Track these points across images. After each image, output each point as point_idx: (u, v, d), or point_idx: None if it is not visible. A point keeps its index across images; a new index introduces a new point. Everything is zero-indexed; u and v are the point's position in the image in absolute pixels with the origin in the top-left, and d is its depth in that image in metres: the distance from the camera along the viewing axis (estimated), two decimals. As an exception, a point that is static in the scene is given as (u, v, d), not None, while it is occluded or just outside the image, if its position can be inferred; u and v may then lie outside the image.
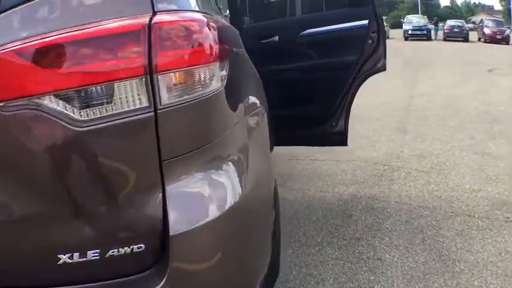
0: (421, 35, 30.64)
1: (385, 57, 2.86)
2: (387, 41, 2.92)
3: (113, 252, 1.10)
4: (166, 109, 1.09)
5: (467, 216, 3.03)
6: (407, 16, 38.75)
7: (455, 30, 30.83)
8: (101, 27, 1.06)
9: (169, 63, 1.10)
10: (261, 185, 1.48)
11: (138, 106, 1.07)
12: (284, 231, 2.97)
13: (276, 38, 3.07)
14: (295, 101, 3.16)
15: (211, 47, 1.19)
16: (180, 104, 1.12)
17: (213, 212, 1.15)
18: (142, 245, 1.12)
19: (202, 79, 1.17)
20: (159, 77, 1.08)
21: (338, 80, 2.96)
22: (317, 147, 3.92)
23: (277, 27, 3.19)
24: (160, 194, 1.11)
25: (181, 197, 1.14)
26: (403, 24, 34.46)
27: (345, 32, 2.94)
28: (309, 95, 3.13)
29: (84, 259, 1.09)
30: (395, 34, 31.61)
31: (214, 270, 1.18)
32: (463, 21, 36.48)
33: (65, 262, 1.09)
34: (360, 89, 2.86)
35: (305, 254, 2.66)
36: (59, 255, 1.08)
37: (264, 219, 1.51)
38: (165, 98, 1.09)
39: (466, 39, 29.64)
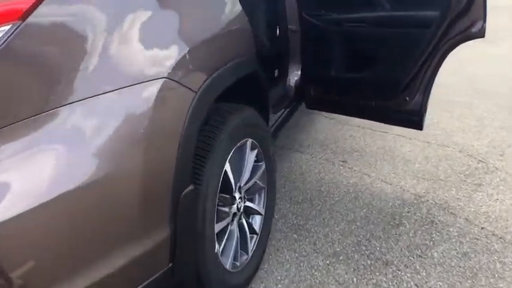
0: None
1: (484, 20, 2.09)
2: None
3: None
4: None
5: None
6: None
7: None
8: None
9: None
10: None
11: None
12: (300, 224, 2.54)
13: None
14: (358, 62, 2.55)
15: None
16: None
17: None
18: None
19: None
20: None
21: (414, 41, 2.29)
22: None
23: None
24: None
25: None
26: None
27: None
28: (377, 56, 2.48)
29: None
30: None
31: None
32: None
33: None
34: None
35: (299, 274, 2.21)
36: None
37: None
38: None
39: None
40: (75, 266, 1.19)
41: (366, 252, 2.32)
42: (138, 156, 1.27)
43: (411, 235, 2.43)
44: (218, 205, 1.92)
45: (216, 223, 1.82)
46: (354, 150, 3.33)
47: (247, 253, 2.16)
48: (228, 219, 1.97)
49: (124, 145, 1.26)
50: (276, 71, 2.92)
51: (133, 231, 1.32)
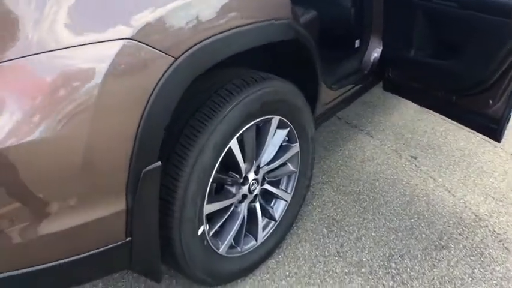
0: None
1: None
2: None
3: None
4: None
5: None
6: None
7: None
8: None
9: None
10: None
11: None
12: (336, 218, 2.26)
13: None
14: (443, 48, 2.19)
15: None
16: None
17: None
18: None
19: None
20: None
21: (507, 34, 1.86)
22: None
23: None
24: None
25: None
26: None
27: None
28: (464, 44, 2.09)
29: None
30: None
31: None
32: None
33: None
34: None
35: (310, 275, 1.97)
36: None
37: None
38: None
39: None
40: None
41: (393, 271, 2.01)
42: (85, 121, 1.14)
43: (452, 264, 2.06)
44: (226, 184, 1.74)
45: (211, 203, 1.64)
46: (430, 146, 2.91)
47: (256, 239, 1.96)
48: (233, 200, 1.77)
49: (70, 107, 1.12)
50: (358, 41, 2.57)
51: (82, 195, 1.24)
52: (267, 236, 2.02)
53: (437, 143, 2.94)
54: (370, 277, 1.98)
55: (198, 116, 1.49)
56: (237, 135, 1.60)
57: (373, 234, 2.21)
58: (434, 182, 2.56)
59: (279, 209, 2.06)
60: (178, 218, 1.52)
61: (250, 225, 1.95)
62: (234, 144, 1.60)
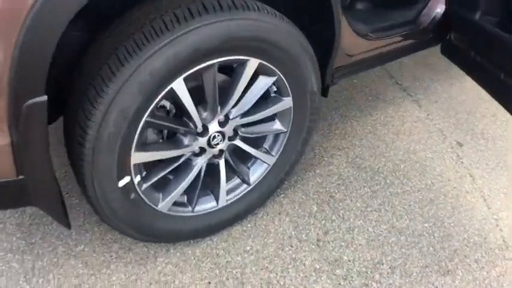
0: None
1: None
2: None
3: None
4: None
5: None
6: None
7: None
8: None
9: None
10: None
11: None
12: (336, 198, 1.86)
13: None
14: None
15: None
16: None
17: None
18: None
19: None
20: None
21: None
22: None
23: None
24: None
25: None
26: None
27: None
28: None
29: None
30: None
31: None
32: None
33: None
34: None
35: (273, 258, 1.60)
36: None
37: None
38: None
39: None
40: None
41: (374, 284, 1.60)
42: None
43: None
44: (178, 132, 1.39)
45: (142, 151, 1.29)
46: (483, 135, 2.33)
47: (216, 201, 1.60)
48: (183, 152, 1.42)
49: None
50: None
51: None
52: (234, 199, 1.66)
53: (492, 134, 2.35)
54: (341, 283, 1.59)
55: (127, 46, 1.13)
56: (184, 76, 1.19)
57: (370, 229, 1.78)
58: (471, 183, 2.04)
59: (256, 172, 1.68)
60: (89, 163, 1.22)
61: (212, 184, 1.59)
62: (178, 85, 1.21)
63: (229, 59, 1.27)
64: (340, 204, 1.87)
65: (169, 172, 1.44)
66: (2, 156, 1.10)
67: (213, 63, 1.23)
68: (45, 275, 1.55)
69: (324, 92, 1.85)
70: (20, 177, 1.15)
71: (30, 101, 1.03)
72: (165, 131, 1.43)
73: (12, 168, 1.13)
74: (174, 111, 1.40)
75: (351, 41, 1.66)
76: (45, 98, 1.03)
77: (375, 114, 2.36)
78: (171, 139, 1.42)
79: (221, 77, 1.44)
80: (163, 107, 1.39)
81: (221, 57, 1.23)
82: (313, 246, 1.70)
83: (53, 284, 1.53)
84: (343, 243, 1.72)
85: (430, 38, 2.02)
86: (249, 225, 1.75)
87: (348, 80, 2.60)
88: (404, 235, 1.77)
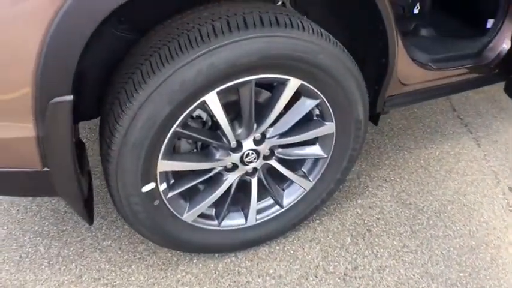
0: None
1: None
2: None
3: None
4: None
5: None
6: None
7: None
8: None
9: None
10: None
11: None
12: (372, 232, 1.78)
13: None
14: None
15: None
16: None
17: None
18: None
19: None
20: None
21: None
22: None
23: None
24: None
25: None
26: None
27: None
28: None
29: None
30: None
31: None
32: None
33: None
34: None
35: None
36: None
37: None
38: None
39: None
40: None
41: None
42: None
43: None
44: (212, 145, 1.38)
45: (170, 160, 1.28)
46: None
47: (245, 219, 1.57)
48: (213, 165, 1.39)
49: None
50: (491, 22, 1.86)
51: None
52: (264, 219, 1.61)
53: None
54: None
55: (161, 54, 1.12)
56: (218, 89, 1.16)
57: (401, 271, 1.67)
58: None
59: (291, 195, 1.62)
60: (114, 164, 1.22)
61: (244, 201, 1.56)
62: (211, 99, 1.18)
63: (268, 77, 1.22)
64: (376, 239, 1.77)
65: (200, 182, 1.43)
66: (28, 147, 1.12)
67: (250, 80, 1.20)
68: (68, 263, 1.58)
69: (375, 120, 1.76)
70: (45, 169, 1.17)
71: (56, 99, 1.04)
72: (199, 142, 1.41)
73: (38, 160, 1.16)
74: (210, 123, 1.38)
75: (407, 69, 1.57)
76: (70, 97, 1.05)
77: (430, 147, 2.23)
78: (204, 151, 1.40)
79: (266, 94, 1.40)
80: (200, 117, 1.37)
81: (259, 74, 1.20)
82: (339, 281, 1.62)
83: (73, 273, 1.55)
84: (370, 282, 1.62)
85: (495, 74, 1.88)
86: (277, 248, 1.70)
87: (409, 108, 2.48)
88: (437, 282, 1.65)
